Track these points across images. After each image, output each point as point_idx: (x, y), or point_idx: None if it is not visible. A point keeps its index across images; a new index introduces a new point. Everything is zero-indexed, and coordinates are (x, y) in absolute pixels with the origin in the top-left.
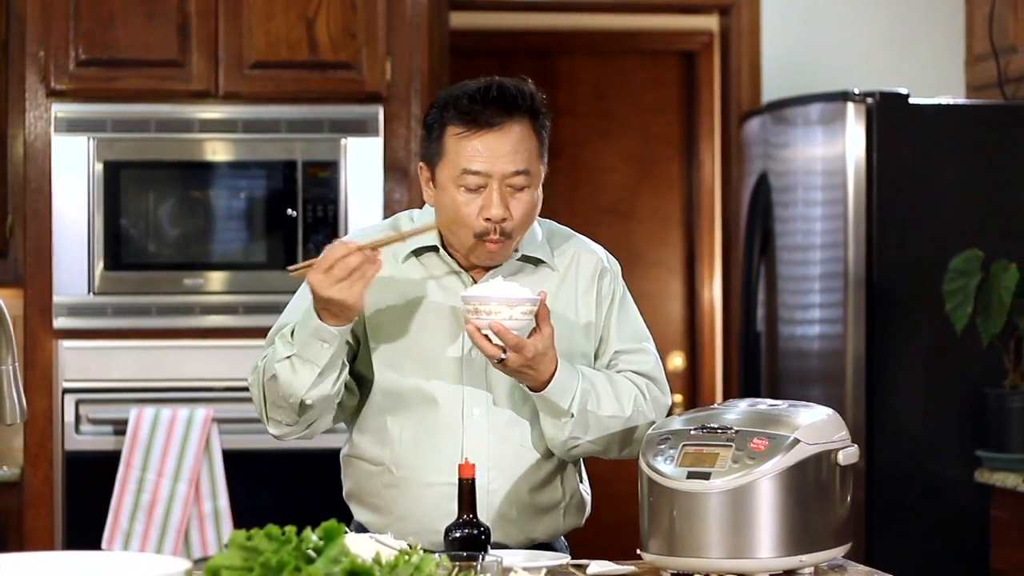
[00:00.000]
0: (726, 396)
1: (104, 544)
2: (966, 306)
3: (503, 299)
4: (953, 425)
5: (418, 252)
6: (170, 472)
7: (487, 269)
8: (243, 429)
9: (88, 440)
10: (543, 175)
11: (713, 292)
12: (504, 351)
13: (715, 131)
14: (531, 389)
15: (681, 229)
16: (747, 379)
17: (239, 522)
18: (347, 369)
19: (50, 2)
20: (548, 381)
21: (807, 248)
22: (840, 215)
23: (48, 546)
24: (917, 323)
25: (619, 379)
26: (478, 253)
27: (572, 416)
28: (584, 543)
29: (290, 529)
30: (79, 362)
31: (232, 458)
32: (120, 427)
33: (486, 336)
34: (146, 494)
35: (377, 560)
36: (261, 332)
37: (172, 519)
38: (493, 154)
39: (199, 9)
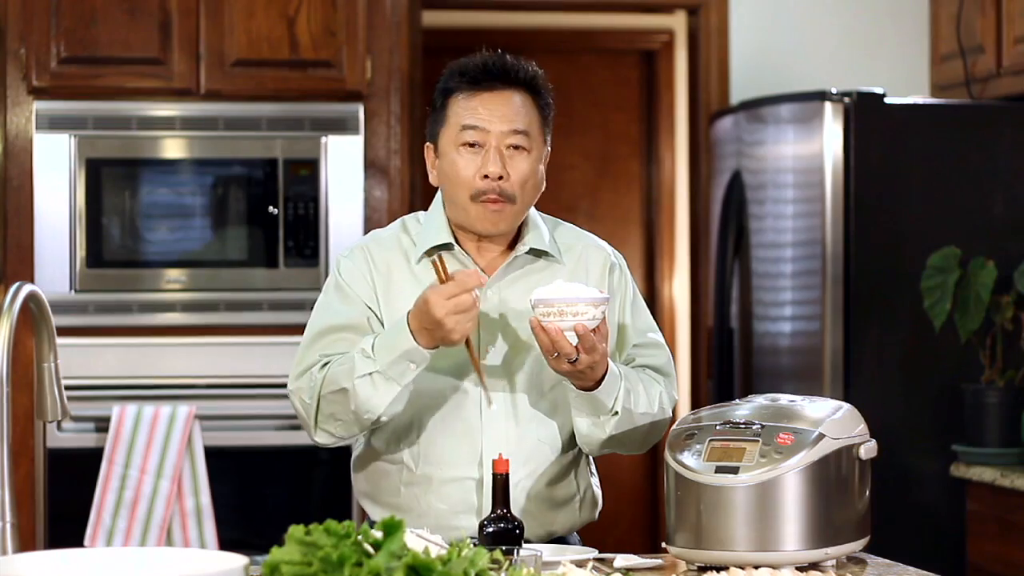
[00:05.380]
0: (695, 392)
1: (87, 541)
2: (944, 303)
3: (589, 299)
4: (930, 420)
5: (431, 252)
6: (152, 469)
7: (496, 266)
8: (225, 426)
9: (70, 437)
10: (545, 153)
11: (673, 289)
12: (578, 351)
13: (675, 130)
14: (581, 388)
15: (641, 227)
16: (720, 375)
17: (221, 519)
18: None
19: None
20: (600, 380)
21: (781, 246)
22: (818, 213)
23: (30, 544)
24: (895, 320)
25: (646, 377)
26: (478, 217)
27: (616, 414)
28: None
29: (348, 524)
30: (61, 359)
31: (214, 455)
32: (102, 424)
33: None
34: (129, 491)
35: (427, 554)
36: (242, 329)
37: (155, 516)
38: (492, 113)
39: (180, 7)
